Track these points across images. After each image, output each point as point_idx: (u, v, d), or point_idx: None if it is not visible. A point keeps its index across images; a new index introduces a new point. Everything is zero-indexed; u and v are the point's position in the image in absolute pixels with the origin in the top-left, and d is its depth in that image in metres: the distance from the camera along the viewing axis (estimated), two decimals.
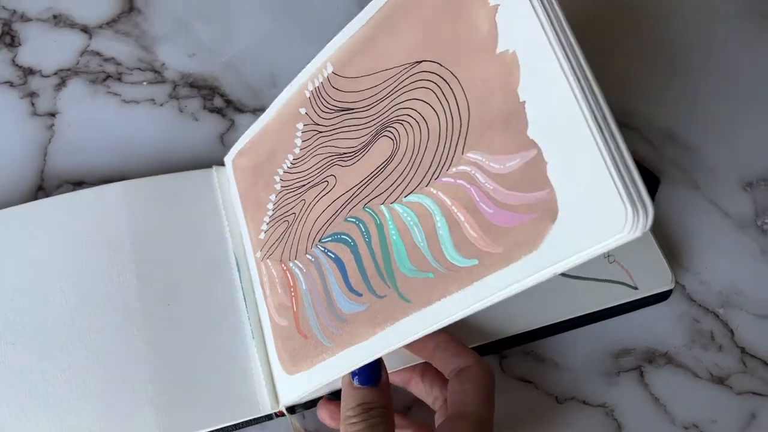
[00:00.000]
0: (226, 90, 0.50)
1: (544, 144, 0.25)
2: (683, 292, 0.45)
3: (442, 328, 0.31)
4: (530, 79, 0.26)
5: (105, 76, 0.50)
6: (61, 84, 0.49)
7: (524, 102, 0.26)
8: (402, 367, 0.37)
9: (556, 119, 0.25)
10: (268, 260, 0.39)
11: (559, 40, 0.25)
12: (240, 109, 0.49)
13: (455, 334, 0.37)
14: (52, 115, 0.48)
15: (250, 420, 0.38)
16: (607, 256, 0.42)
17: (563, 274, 0.39)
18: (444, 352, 0.35)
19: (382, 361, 0.34)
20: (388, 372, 0.36)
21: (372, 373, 0.34)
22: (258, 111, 0.49)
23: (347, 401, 0.33)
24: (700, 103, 0.50)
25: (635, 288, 0.42)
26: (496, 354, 0.43)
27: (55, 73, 0.50)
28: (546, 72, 0.25)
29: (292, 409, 0.39)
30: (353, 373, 0.34)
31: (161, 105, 0.49)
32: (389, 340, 0.31)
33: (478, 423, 0.32)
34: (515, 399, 0.42)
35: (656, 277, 0.42)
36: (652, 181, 0.47)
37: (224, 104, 0.49)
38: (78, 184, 0.46)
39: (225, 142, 0.48)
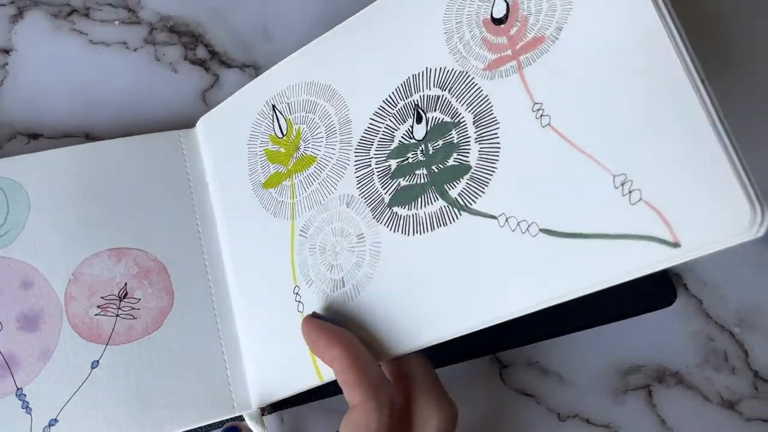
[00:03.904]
0: (212, 40, 0.43)
1: None
2: (699, 306, 0.41)
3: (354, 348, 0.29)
4: None
5: (70, 10, 0.43)
6: (18, 15, 0.42)
7: None
8: None
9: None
10: None
11: None
12: (227, 64, 0.43)
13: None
14: (6, 52, 0.41)
15: None
16: (628, 192, 0.25)
17: (550, 232, 0.26)
18: (344, 384, 0.28)
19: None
20: None
21: None
22: (246, 67, 0.43)
23: None
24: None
25: (675, 245, 0.24)
26: (496, 361, 0.39)
27: (12, 2, 0.43)
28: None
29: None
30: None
31: (135, 50, 0.43)
32: None
33: None
34: (514, 413, 0.38)
35: (720, 220, 0.23)
36: None
37: (208, 56, 0.43)
38: (34, 137, 0.40)
39: (207, 100, 0.42)
